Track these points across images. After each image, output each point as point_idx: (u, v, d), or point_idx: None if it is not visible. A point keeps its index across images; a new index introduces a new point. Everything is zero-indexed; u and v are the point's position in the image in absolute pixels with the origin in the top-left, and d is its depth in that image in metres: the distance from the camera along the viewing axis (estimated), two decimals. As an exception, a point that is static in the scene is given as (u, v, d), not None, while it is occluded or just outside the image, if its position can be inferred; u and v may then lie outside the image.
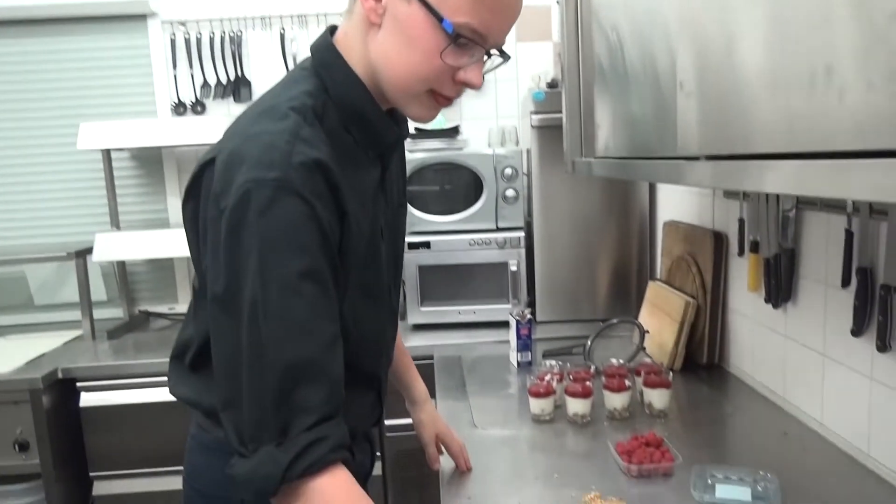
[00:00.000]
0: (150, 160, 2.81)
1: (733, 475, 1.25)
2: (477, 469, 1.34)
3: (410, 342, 2.26)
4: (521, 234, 2.36)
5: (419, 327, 2.41)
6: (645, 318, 2.08)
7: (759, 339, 1.69)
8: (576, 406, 1.53)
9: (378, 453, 2.27)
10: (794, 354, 1.53)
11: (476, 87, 0.93)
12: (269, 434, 0.79)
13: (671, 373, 1.57)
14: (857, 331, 1.27)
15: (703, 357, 1.88)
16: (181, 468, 1.10)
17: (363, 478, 1.09)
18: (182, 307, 2.85)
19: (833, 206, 1.35)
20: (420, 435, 1.36)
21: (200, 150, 2.78)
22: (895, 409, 1.21)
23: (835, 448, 1.36)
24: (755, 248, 1.65)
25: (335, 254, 0.87)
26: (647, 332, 1.86)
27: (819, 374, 1.44)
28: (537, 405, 1.55)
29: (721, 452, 1.39)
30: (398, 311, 1.17)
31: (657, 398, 1.56)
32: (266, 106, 0.90)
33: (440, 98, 0.94)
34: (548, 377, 1.59)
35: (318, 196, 0.83)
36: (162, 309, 2.86)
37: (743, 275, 1.74)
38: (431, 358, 2.14)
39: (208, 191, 0.87)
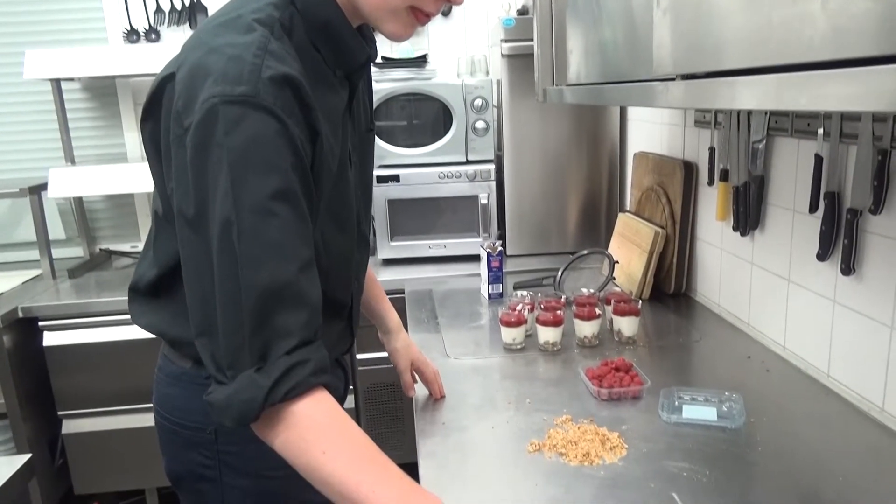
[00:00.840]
0: (103, 91, 2.68)
1: (699, 396, 1.29)
2: (450, 396, 1.35)
3: (381, 276, 2.24)
4: (492, 166, 2.33)
5: (389, 262, 2.40)
6: (614, 249, 2.09)
7: (726, 267, 1.71)
8: (547, 334, 1.54)
9: (351, 387, 2.28)
10: (760, 281, 1.56)
11: (459, 1, 0.89)
12: (247, 359, 0.77)
13: (640, 301, 1.59)
14: (822, 255, 1.29)
15: (670, 286, 1.90)
16: (148, 405, 1.08)
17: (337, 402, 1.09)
18: (145, 245, 2.78)
19: (804, 131, 1.34)
20: (395, 363, 1.36)
21: (157, 80, 2.65)
22: (855, 330, 1.25)
23: (796, 370, 1.40)
24: (725, 176, 1.65)
25: (308, 175, 0.84)
26: (617, 262, 1.87)
27: (783, 299, 1.47)
28: (509, 334, 1.56)
29: (688, 376, 1.43)
30: (369, 240, 1.15)
31: (626, 326, 1.58)
32: (228, 17, 0.84)
33: (420, 14, 0.89)
34: (519, 307, 1.59)
35: (290, 113, 0.79)
36: (124, 247, 2.79)
37: (712, 204, 1.75)
38: (402, 292, 2.13)
39: (169, 108, 0.81)
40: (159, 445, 1.06)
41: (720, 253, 1.74)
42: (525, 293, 1.71)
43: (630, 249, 1.98)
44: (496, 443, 1.16)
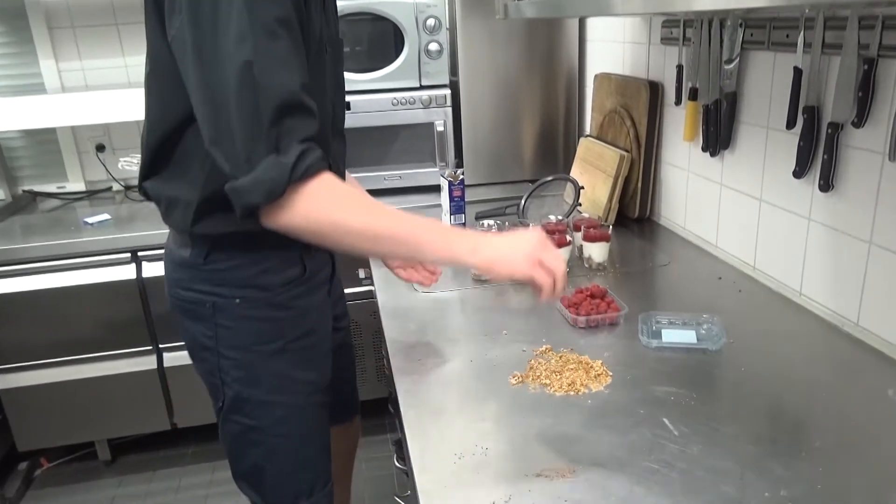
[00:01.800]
0: (11, 14, 2.41)
1: (677, 320, 1.26)
2: (424, 331, 1.29)
3: (334, 211, 2.14)
4: (447, 91, 2.22)
5: (342, 195, 2.28)
6: (577, 174, 2.04)
7: (693, 189, 1.69)
8: (517, 264, 1.49)
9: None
10: (730, 202, 1.53)
11: None
12: (263, 150, 0.86)
13: (610, 227, 1.55)
14: (799, 172, 1.26)
15: (634, 211, 1.87)
16: (91, 355, 1.12)
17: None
18: (74, 185, 2.58)
19: (782, 43, 1.29)
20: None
21: (72, 4, 2.40)
22: (831, 247, 1.24)
23: (767, 289, 1.40)
24: (694, 95, 1.60)
25: (303, 14, 0.92)
26: (583, 188, 1.82)
27: (754, 219, 1.45)
28: (478, 265, 1.50)
29: (662, 301, 1.41)
30: (345, 137, 1.22)
31: (597, 252, 1.54)
32: None
33: None
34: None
35: None
36: (49, 188, 2.57)
37: (679, 125, 1.71)
38: (358, 226, 2.04)
39: None
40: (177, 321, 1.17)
41: (686, 175, 1.71)
42: (491, 222, 1.64)
43: (594, 175, 1.93)
44: (477, 377, 1.12)
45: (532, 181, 2.33)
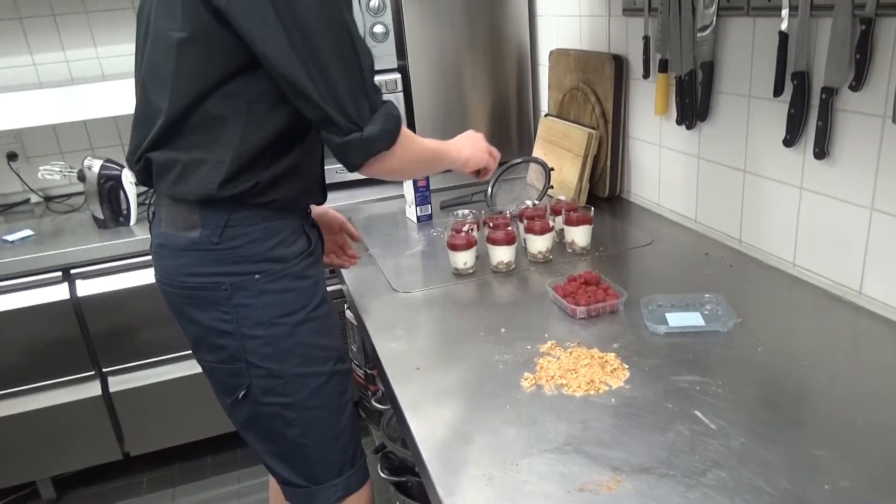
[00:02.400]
0: None
1: (679, 302, 1.21)
2: (415, 335, 1.19)
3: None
4: (397, 76, 2.10)
5: (292, 192, 2.14)
6: (541, 156, 1.97)
7: (667, 164, 1.64)
8: (501, 254, 1.41)
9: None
10: (709, 176, 1.50)
11: None
12: (367, 110, 1.02)
13: (592, 209, 1.49)
14: (790, 140, 1.23)
15: (604, 189, 1.82)
16: (26, 386, 1.16)
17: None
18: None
19: (763, 8, 1.25)
20: (331, 222, 1.42)
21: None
22: (827, 216, 1.21)
23: (757, 262, 1.37)
24: (664, 67, 1.55)
25: None
26: (553, 169, 1.75)
27: (738, 191, 1.42)
28: (459, 258, 1.41)
29: (654, 282, 1.35)
30: None
31: (580, 236, 1.48)
32: None
33: None
34: (465, 227, 1.44)
35: None
36: (-43, 205, 2.31)
37: (648, 99, 1.66)
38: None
39: None
40: (174, 316, 1.14)
41: (658, 150, 1.67)
42: (466, 211, 1.55)
43: (559, 155, 1.87)
44: (485, 382, 1.03)
45: (491, 165, 2.26)
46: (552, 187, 1.71)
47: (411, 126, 2.17)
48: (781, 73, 1.22)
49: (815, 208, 1.23)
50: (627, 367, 1.03)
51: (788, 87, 1.21)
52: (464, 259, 1.41)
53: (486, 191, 1.81)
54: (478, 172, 1.37)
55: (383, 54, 2.11)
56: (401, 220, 1.82)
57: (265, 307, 1.08)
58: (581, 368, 1.03)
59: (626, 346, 1.10)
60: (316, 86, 0.98)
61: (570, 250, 1.50)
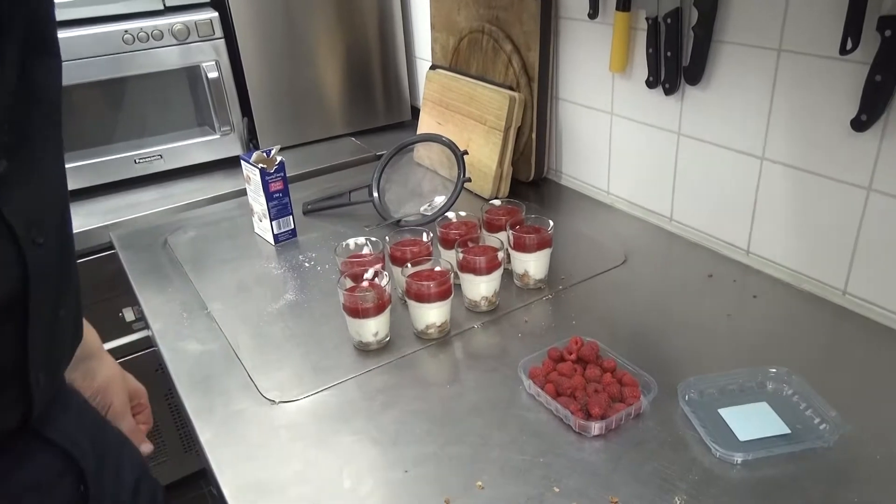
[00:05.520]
0: None
1: (731, 384, 0.78)
2: (305, 491, 0.66)
3: (59, 229, 1.30)
4: (212, 14, 1.43)
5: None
6: (433, 125, 1.44)
7: (626, 140, 1.19)
8: (432, 315, 0.89)
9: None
10: (699, 161, 1.07)
11: None
12: None
13: (552, 225, 1.00)
14: (866, 120, 0.82)
15: (529, 172, 1.34)
16: None
17: None
18: None
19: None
20: (107, 402, 0.76)
21: None
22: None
23: (792, 290, 0.98)
24: (625, 3, 1.07)
25: None
26: (466, 152, 1.23)
27: (751, 187, 1.00)
28: (367, 329, 0.87)
29: (661, 337, 0.91)
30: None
31: (537, 265, 0.99)
32: None
33: None
34: (370, 274, 0.89)
35: None
36: None
37: (594, 49, 1.18)
38: (110, 247, 1.25)
39: None
40: None
41: (609, 120, 1.21)
42: (362, 240, 0.99)
43: (464, 126, 1.35)
44: None
45: (351, 135, 1.69)
46: (469, 179, 1.20)
47: (241, 91, 1.52)
48: (858, 16, 0.79)
49: (889, 215, 0.84)
50: (727, 561, 0.59)
51: (869, 39, 0.78)
52: (374, 328, 0.88)
53: (368, 186, 1.26)
54: None
55: (187, -19, 1.42)
56: (248, 242, 1.22)
57: None
58: (661, 589, 0.56)
59: (689, 496, 0.65)
60: None
61: (518, 284, 1.02)
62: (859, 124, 0.82)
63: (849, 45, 0.80)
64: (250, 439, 0.76)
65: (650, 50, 1.05)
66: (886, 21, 0.76)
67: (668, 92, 1.06)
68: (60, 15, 1.33)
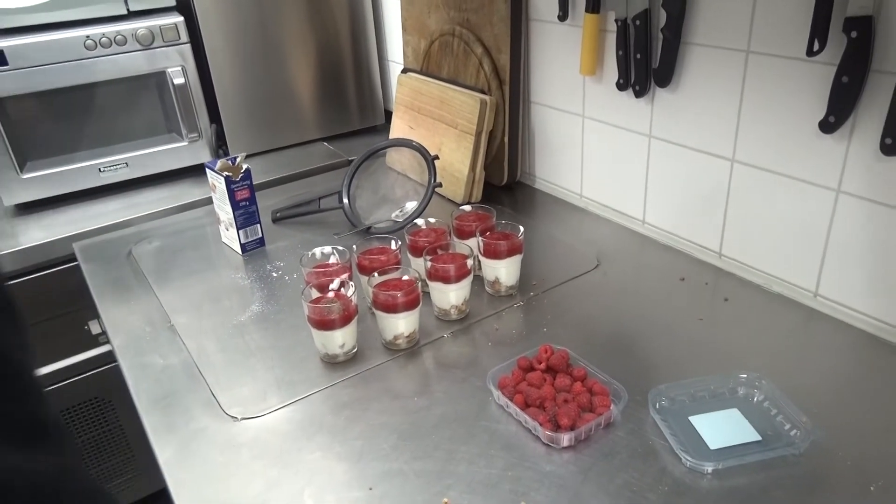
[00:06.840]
0: None
1: (701, 391, 0.77)
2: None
3: (20, 238, 1.27)
4: (177, 18, 1.40)
5: (27, 207, 1.39)
6: (405, 129, 1.42)
7: (598, 144, 1.18)
8: (400, 325, 0.87)
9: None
10: (672, 164, 1.06)
11: None
12: None
13: (522, 230, 0.98)
14: (835, 122, 0.81)
15: (502, 176, 1.33)
16: None
17: None
18: None
19: (785, -87, 0.79)
20: None
21: None
22: (872, 228, 0.82)
23: (758, 290, 0.97)
24: (595, 5, 1.06)
25: None
26: (437, 157, 1.21)
27: (722, 188, 0.99)
28: (333, 341, 0.85)
29: (632, 344, 0.90)
30: None
31: (508, 271, 0.98)
32: None
33: None
34: (336, 285, 0.87)
35: None
36: None
37: (565, 51, 1.17)
38: (73, 259, 1.22)
39: None
40: None
41: (581, 123, 1.20)
42: (329, 249, 0.97)
43: (435, 130, 1.33)
44: None
45: (324, 140, 1.67)
46: (440, 185, 1.18)
47: (208, 97, 1.50)
48: (824, 20, 0.78)
49: (853, 220, 0.84)
50: (698, 577, 0.57)
51: (836, 41, 0.78)
52: (340, 339, 0.86)
53: (339, 193, 1.24)
54: None
55: (151, -15, 1.39)
56: (215, 251, 1.19)
57: None
58: None
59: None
60: None
61: (490, 292, 1.00)
62: (827, 126, 0.81)
63: (816, 47, 0.79)
64: (211, 459, 0.73)
65: (620, 52, 1.04)
66: (852, 22, 0.75)
67: (638, 94, 1.05)
68: (20, 21, 1.29)
